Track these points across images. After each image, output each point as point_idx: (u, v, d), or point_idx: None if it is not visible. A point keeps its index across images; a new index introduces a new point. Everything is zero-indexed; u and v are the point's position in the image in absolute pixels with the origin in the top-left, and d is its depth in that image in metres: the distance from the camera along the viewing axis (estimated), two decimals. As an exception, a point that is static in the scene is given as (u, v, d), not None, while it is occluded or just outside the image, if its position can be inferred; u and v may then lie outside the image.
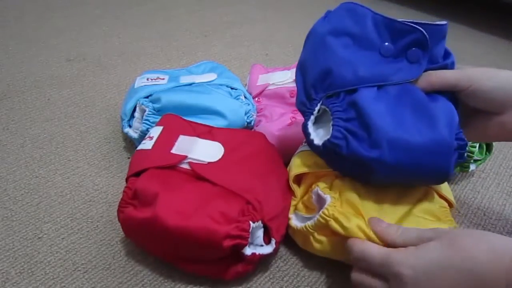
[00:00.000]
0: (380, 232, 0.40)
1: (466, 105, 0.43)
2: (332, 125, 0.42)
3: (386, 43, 0.44)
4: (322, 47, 0.45)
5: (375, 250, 0.38)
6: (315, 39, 0.46)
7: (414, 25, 0.43)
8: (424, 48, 0.43)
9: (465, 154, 0.43)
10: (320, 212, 0.43)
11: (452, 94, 0.43)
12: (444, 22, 0.43)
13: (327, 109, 0.43)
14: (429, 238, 0.36)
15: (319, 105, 0.44)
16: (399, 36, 0.43)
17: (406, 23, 0.43)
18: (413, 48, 0.43)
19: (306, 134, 0.45)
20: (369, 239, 0.40)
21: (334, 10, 0.46)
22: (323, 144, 0.42)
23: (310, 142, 0.45)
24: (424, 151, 0.40)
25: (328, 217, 0.42)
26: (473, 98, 0.42)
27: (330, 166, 0.46)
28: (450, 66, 0.44)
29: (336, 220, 0.42)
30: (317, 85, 0.44)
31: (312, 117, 0.45)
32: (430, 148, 0.40)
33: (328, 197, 0.43)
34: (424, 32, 0.42)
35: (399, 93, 0.42)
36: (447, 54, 0.45)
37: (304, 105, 0.46)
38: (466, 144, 0.42)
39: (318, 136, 0.44)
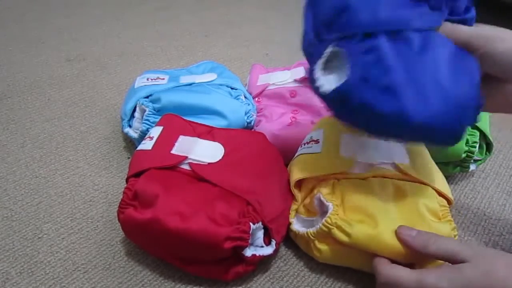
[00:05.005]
0: (411, 241, 0.39)
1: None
2: (349, 69, 0.36)
3: None
4: None
5: (406, 275, 0.37)
6: None
7: None
8: None
9: (477, 117, 0.38)
10: (323, 220, 0.42)
11: None
12: None
13: (340, 51, 0.37)
14: (464, 258, 0.36)
15: (330, 47, 0.38)
16: None
17: None
18: None
19: (313, 80, 0.39)
20: (377, 242, 0.40)
21: None
22: (335, 90, 0.37)
23: (317, 90, 0.39)
24: (445, 107, 0.35)
25: (331, 225, 0.42)
26: (483, 60, 0.38)
27: (338, 117, 0.40)
28: (469, 21, 0.40)
29: (339, 228, 0.42)
30: (330, 22, 0.38)
31: (322, 60, 0.38)
32: (452, 103, 0.35)
33: (330, 205, 0.43)
34: None
35: (423, 40, 0.37)
36: (468, 8, 0.40)
37: (312, 46, 0.40)
38: (481, 105, 0.37)
39: (328, 82, 0.38)
